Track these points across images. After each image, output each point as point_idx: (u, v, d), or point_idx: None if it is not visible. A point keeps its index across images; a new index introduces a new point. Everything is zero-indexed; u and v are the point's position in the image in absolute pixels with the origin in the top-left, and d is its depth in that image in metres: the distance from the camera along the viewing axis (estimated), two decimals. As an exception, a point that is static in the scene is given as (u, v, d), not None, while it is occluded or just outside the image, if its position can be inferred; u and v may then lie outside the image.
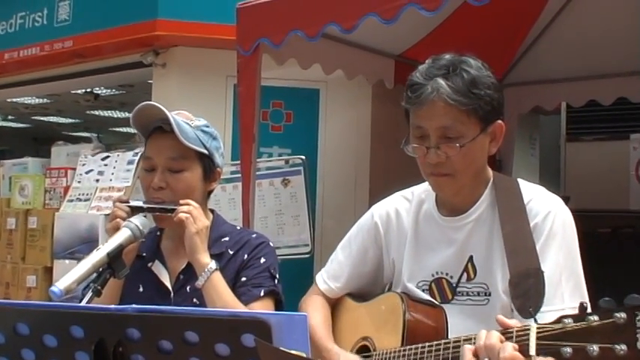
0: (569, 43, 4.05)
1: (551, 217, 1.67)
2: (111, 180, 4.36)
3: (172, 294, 1.91)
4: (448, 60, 1.68)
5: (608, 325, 1.24)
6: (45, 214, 4.63)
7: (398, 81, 3.96)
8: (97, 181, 4.42)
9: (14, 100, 7.79)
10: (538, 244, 1.64)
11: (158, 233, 2.01)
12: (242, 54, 3.28)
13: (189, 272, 1.88)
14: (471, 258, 1.74)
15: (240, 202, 3.46)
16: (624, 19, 3.69)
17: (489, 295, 1.70)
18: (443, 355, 1.56)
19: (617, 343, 1.22)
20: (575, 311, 1.30)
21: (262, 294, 1.89)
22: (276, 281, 1.94)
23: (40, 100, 8.25)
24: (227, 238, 1.97)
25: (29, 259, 4.69)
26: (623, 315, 1.23)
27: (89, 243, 4.12)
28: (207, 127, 1.96)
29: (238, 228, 2.08)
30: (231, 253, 1.94)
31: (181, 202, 1.85)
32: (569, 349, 1.27)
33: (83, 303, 1.56)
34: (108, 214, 1.90)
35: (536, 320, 1.39)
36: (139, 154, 4.27)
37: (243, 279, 1.91)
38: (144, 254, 1.96)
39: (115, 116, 9.77)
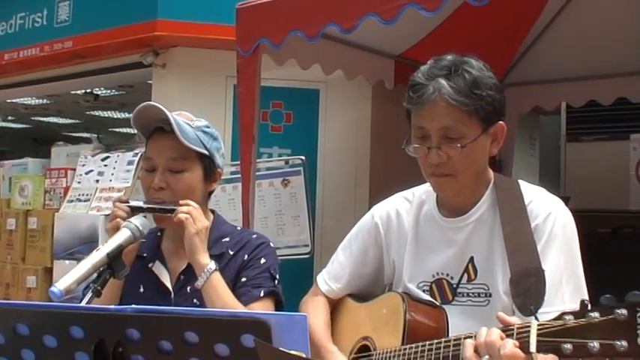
0: (569, 43, 4.05)
1: (551, 218, 1.67)
2: (111, 180, 4.36)
3: (173, 294, 1.91)
4: (450, 60, 1.68)
5: (609, 321, 1.24)
6: (45, 214, 4.62)
7: (398, 81, 3.96)
8: (97, 181, 4.41)
9: (14, 100, 7.79)
10: (539, 246, 1.64)
11: (159, 234, 2.01)
12: (242, 54, 3.28)
13: (190, 273, 1.88)
14: (471, 259, 1.74)
15: (240, 202, 3.46)
16: (624, 19, 3.69)
17: (490, 295, 1.70)
18: (443, 354, 1.56)
19: (618, 339, 1.22)
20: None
21: (262, 294, 1.89)
22: (276, 282, 1.94)
23: (40, 101, 8.25)
24: (227, 239, 1.97)
25: (29, 260, 4.68)
26: (624, 312, 1.23)
27: (89, 243, 4.12)
28: (208, 127, 1.96)
29: (239, 228, 2.08)
30: (231, 253, 1.94)
31: (181, 202, 1.85)
32: (569, 346, 1.27)
33: (83, 303, 1.56)
34: (108, 215, 1.91)
35: (537, 318, 1.39)
36: (139, 154, 4.27)
37: (244, 279, 1.91)
38: (144, 255, 1.96)
39: (115, 117, 9.76)
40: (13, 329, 1.32)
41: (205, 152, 1.91)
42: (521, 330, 1.37)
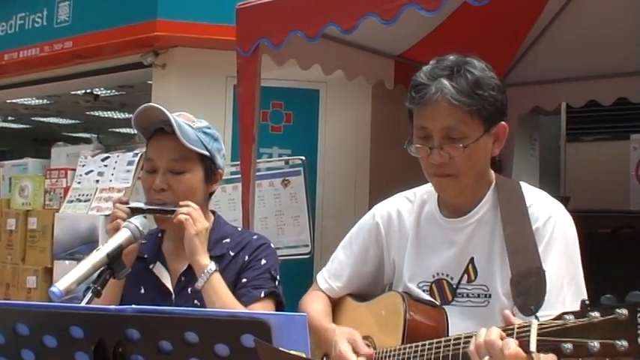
0: (569, 43, 4.05)
1: (552, 222, 1.67)
2: (111, 181, 4.35)
3: (174, 296, 1.91)
4: (452, 61, 1.68)
5: (610, 321, 1.24)
6: (45, 214, 4.62)
7: (398, 81, 3.96)
8: (97, 181, 4.41)
9: (14, 101, 7.79)
10: (539, 248, 1.64)
11: (159, 235, 2.01)
12: (242, 54, 3.28)
13: (191, 274, 1.88)
14: (471, 260, 1.74)
15: (240, 202, 3.46)
16: (624, 19, 3.69)
17: (489, 297, 1.71)
18: (443, 353, 1.56)
19: (618, 338, 1.22)
20: None
21: (263, 295, 1.89)
22: (276, 282, 1.94)
23: (40, 101, 8.25)
24: (228, 240, 1.97)
25: (29, 260, 4.68)
26: (624, 311, 1.23)
27: (89, 244, 4.12)
28: (209, 128, 1.96)
29: (239, 229, 2.08)
30: (232, 254, 1.94)
31: (181, 203, 1.85)
32: (569, 345, 1.27)
33: (83, 303, 1.56)
34: (108, 215, 1.91)
35: (537, 318, 1.39)
36: (139, 154, 4.27)
37: (244, 280, 1.91)
38: (145, 256, 1.96)
39: (115, 117, 9.76)
40: (13, 329, 1.32)
41: (206, 153, 1.91)
42: (521, 329, 1.38)
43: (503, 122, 1.71)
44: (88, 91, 6.92)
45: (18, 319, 1.32)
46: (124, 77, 5.40)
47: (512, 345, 1.35)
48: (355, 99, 4.47)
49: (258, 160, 3.52)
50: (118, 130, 11.19)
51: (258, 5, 3.24)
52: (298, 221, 4.05)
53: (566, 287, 1.61)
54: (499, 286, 1.68)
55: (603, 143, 5.59)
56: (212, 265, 1.83)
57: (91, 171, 4.50)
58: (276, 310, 1.92)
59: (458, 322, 1.70)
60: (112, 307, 1.34)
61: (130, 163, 4.35)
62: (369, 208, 1.99)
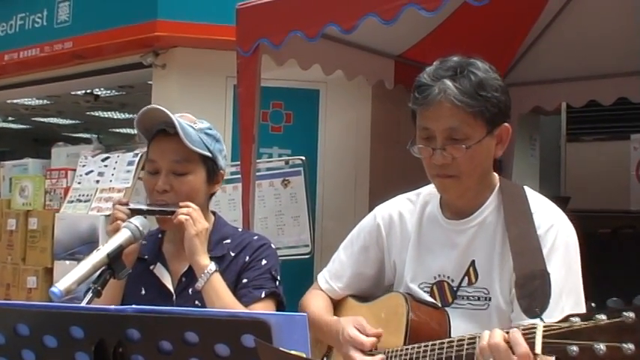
0: (569, 43, 4.05)
1: (554, 230, 1.66)
2: (111, 181, 4.35)
3: (174, 296, 1.90)
4: (456, 62, 1.68)
5: (616, 324, 1.23)
6: (45, 215, 4.62)
7: (398, 81, 3.95)
8: (97, 182, 4.41)
9: (14, 101, 7.79)
10: None
11: (160, 236, 2.01)
12: (242, 55, 3.28)
13: (191, 275, 1.88)
14: (472, 262, 1.73)
15: (240, 202, 3.46)
16: (624, 19, 3.69)
17: (489, 300, 1.70)
18: (446, 354, 1.56)
19: (625, 342, 1.22)
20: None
21: (263, 295, 1.89)
22: (277, 283, 1.94)
23: (40, 102, 8.25)
24: (229, 241, 1.97)
25: (29, 260, 4.68)
26: (631, 315, 1.22)
27: (89, 244, 4.12)
28: (211, 129, 1.96)
29: (240, 230, 2.08)
30: (232, 255, 1.94)
31: (181, 204, 1.85)
32: (575, 348, 1.27)
33: (83, 304, 1.56)
34: (108, 215, 1.91)
35: (542, 320, 1.38)
36: (139, 155, 4.27)
37: (245, 280, 1.91)
38: (146, 257, 1.96)
39: (115, 117, 9.76)
40: (13, 329, 1.32)
41: (208, 154, 1.91)
42: (526, 331, 1.37)
43: (506, 124, 1.70)
44: (88, 91, 6.92)
45: (18, 320, 1.32)
46: (124, 77, 5.40)
47: (522, 347, 1.34)
48: (355, 99, 4.47)
49: (258, 161, 3.52)
50: (118, 130, 11.20)
51: (258, 5, 3.24)
52: (298, 221, 4.05)
53: (564, 297, 1.60)
54: (498, 290, 1.68)
55: (603, 143, 5.60)
56: (212, 266, 1.83)
57: (91, 171, 4.50)
58: (277, 310, 1.92)
59: (458, 324, 1.70)
60: (112, 307, 1.34)
61: (130, 163, 4.35)
62: (369, 208, 1.99)
